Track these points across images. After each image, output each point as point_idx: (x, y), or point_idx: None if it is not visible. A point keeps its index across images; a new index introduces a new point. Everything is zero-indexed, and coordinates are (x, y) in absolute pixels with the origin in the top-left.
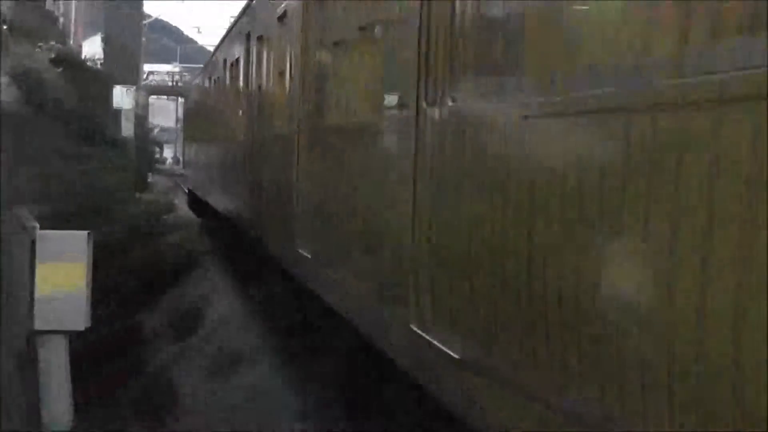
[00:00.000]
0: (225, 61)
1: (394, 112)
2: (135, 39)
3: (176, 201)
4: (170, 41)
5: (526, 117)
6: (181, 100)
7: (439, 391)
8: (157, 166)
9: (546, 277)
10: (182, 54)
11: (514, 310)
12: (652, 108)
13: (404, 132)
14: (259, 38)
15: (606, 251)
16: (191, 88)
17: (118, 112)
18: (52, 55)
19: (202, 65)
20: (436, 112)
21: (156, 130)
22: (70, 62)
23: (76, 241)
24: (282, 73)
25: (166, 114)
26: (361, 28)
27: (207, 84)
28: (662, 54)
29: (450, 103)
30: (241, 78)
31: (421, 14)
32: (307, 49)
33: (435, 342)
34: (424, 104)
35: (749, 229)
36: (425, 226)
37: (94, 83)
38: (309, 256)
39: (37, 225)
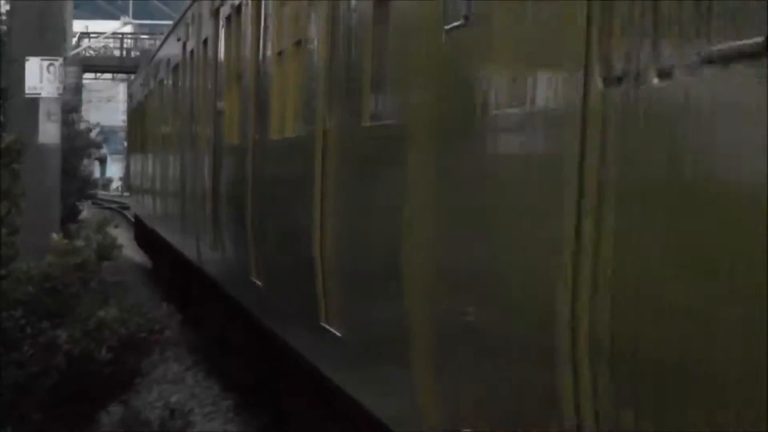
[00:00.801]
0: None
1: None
2: None
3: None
4: None
5: None
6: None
7: (327, 361)
8: (96, 192)
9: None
10: (138, 2)
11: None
12: None
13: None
14: None
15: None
16: (134, 85)
17: (32, 104)
18: None
19: (169, 21)
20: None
21: (94, 132)
22: None
23: None
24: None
25: (110, 105)
26: None
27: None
28: None
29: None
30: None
31: None
32: None
33: (330, 329)
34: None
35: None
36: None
37: None
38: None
39: None
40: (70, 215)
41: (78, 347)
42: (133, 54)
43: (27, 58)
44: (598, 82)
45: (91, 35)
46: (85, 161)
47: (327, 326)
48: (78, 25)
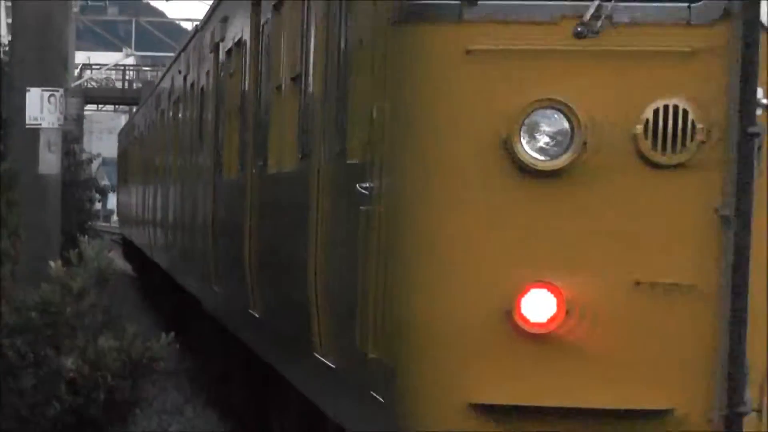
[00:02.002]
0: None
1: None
2: (62, 10)
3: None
4: (119, 13)
5: None
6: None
7: (250, 335)
8: (97, 224)
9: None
10: (140, 34)
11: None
12: None
13: None
14: None
15: None
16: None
17: (33, 134)
18: None
19: (170, 53)
20: None
21: (96, 164)
22: None
23: None
24: None
25: (111, 136)
26: None
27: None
28: None
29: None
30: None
31: None
32: None
33: (254, 313)
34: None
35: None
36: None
37: None
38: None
39: None
40: (70, 247)
41: (81, 376)
42: (135, 86)
43: (28, 88)
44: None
45: (93, 67)
46: (87, 193)
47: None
48: (80, 56)
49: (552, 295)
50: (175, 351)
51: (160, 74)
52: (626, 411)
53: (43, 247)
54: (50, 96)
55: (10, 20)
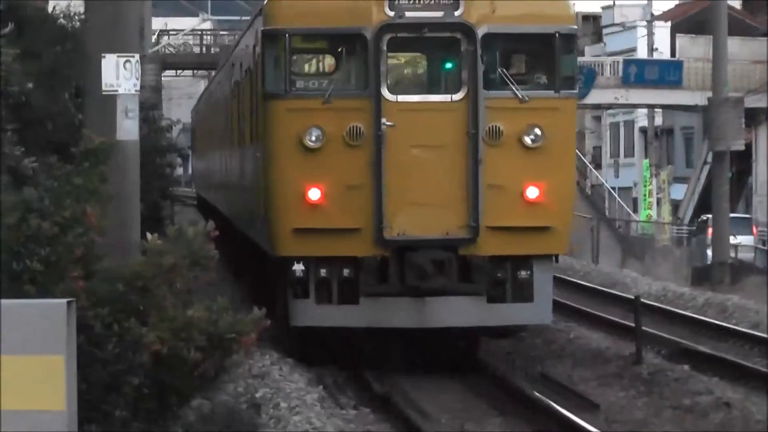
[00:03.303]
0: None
1: None
2: None
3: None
4: None
5: None
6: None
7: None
8: (178, 190)
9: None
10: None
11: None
12: None
13: None
14: None
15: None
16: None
17: (109, 101)
18: None
19: (247, 17)
20: None
21: (177, 131)
22: (20, 15)
23: (49, 317)
24: None
25: (191, 102)
26: None
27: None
28: None
29: None
30: None
31: None
32: None
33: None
34: None
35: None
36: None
37: (64, 51)
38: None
39: None
40: (152, 213)
41: (165, 347)
42: (213, 50)
43: (103, 55)
44: None
45: (171, 32)
46: (167, 159)
47: None
48: (157, 23)
49: (318, 189)
50: (264, 323)
51: (234, 40)
52: (347, 229)
53: (123, 214)
54: (126, 62)
55: None
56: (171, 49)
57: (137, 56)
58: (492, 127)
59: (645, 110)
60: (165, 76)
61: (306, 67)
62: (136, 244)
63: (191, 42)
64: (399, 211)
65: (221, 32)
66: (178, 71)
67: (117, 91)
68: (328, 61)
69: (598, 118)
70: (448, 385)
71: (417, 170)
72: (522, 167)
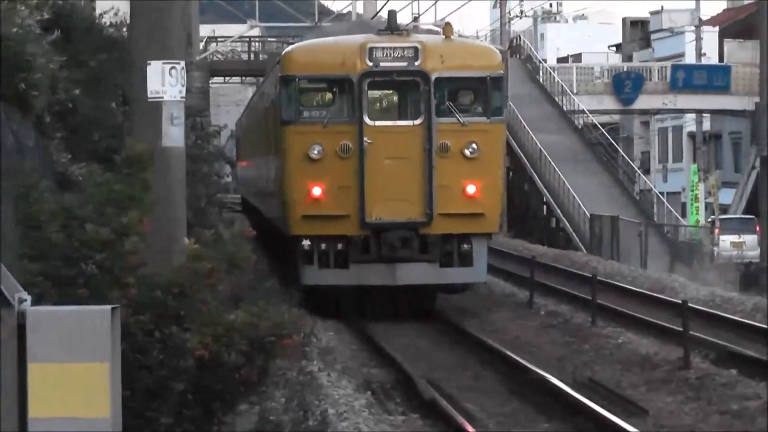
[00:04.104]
0: None
1: None
2: None
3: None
4: None
5: None
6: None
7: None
8: (226, 196)
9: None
10: (264, 5)
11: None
12: None
13: None
14: None
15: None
16: (240, 120)
17: (155, 107)
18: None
19: (294, 23)
20: None
21: (225, 137)
22: (67, 22)
23: (93, 324)
24: None
25: (239, 109)
26: None
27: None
28: None
29: None
30: None
31: None
32: None
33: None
34: None
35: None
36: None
37: (111, 58)
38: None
39: (28, 297)
40: (199, 220)
41: (208, 351)
42: (261, 57)
43: (149, 62)
44: None
45: (218, 39)
46: (214, 165)
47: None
48: (205, 30)
49: (319, 188)
50: (308, 324)
51: (284, 46)
52: (340, 216)
53: (168, 220)
54: (171, 69)
55: None
56: (219, 56)
57: (182, 63)
58: (442, 143)
59: (693, 115)
60: (213, 83)
61: (310, 101)
62: (182, 251)
63: (239, 49)
64: (376, 204)
65: (269, 39)
66: (227, 78)
67: (162, 98)
68: (326, 97)
69: (646, 124)
70: (495, 389)
71: (388, 175)
72: (463, 172)
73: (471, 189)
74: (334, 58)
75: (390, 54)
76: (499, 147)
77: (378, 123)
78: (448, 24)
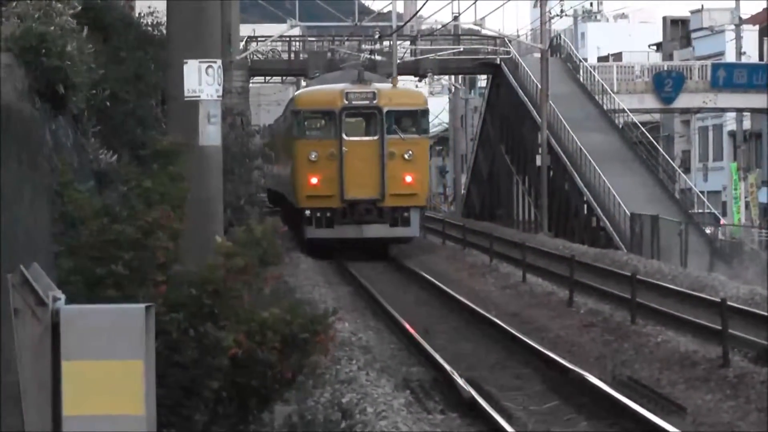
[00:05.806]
0: None
1: None
2: None
3: None
4: None
5: None
6: (304, 84)
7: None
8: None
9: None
10: (305, 4)
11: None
12: None
13: None
14: None
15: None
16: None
17: (192, 106)
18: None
19: (334, 22)
20: None
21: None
22: (103, 20)
23: (128, 322)
24: None
25: (280, 108)
26: None
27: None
28: None
29: None
30: None
31: None
32: None
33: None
34: None
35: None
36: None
37: (151, 56)
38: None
39: (61, 296)
40: (237, 218)
41: (242, 349)
42: (301, 56)
43: (185, 60)
44: None
45: (259, 39)
46: (254, 164)
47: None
48: (245, 29)
49: (316, 178)
50: (339, 320)
51: (325, 44)
52: (328, 195)
53: (206, 218)
54: (208, 67)
55: None
56: (259, 55)
57: (219, 62)
58: (390, 151)
59: (733, 114)
60: (254, 82)
61: (310, 125)
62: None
63: (279, 48)
64: (350, 188)
65: (309, 38)
66: (267, 78)
67: (199, 96)
68: (320, 123)
69: (686, 122)
70: (534, 387)
71: (358, 170)
72: (403, 168)
73: (408, 179)
74: (325, 98)
75: (358, 96)
76: (426, 153)
77: (351, 138)
78: (395, 78)
